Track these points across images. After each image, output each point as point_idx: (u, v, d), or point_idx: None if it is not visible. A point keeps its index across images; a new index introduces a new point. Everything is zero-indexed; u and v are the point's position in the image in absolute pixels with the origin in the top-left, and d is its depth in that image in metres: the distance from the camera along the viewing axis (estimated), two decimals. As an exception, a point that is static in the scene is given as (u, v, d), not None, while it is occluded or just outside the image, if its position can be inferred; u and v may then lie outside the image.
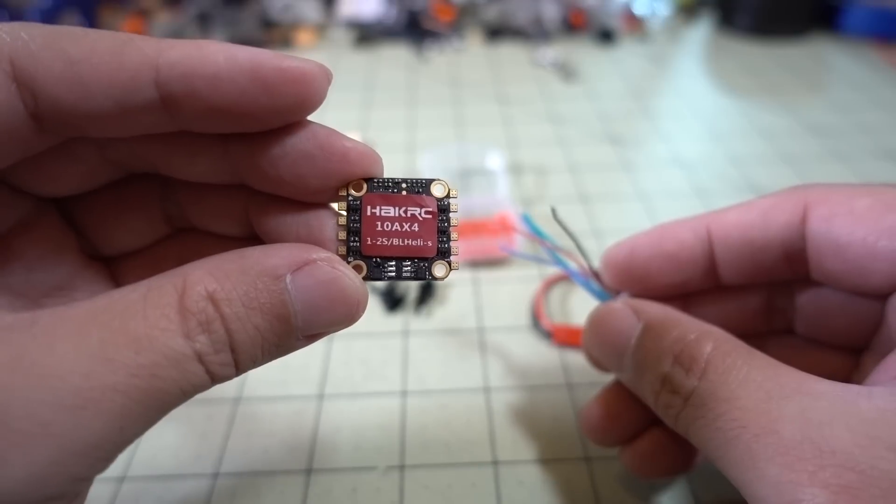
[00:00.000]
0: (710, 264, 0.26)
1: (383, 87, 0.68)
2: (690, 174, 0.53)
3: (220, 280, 0.16)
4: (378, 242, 0.19)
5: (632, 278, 0.28)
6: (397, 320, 0.39)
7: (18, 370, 0.14)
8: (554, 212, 0.28)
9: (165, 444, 0.32)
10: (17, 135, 0.16)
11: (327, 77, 0.17)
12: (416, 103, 0.64)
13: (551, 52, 0.75)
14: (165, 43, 0.16)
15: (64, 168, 0.19)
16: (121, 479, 0.30)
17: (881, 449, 0.17)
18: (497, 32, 0.80)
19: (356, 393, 0.34)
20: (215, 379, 0.16)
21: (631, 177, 0.53)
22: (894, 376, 0.19)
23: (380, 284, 0.41)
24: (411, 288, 0.41)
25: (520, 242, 0.43)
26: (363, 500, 0.29)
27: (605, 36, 0.79)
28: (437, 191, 0.20)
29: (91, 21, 0.75)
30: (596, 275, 0.29)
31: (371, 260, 0.19)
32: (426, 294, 0.40)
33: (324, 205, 0.20)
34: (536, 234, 0.30)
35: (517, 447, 0.31)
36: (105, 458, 0.15)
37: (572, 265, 0.29)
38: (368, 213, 0.19)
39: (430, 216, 0.19)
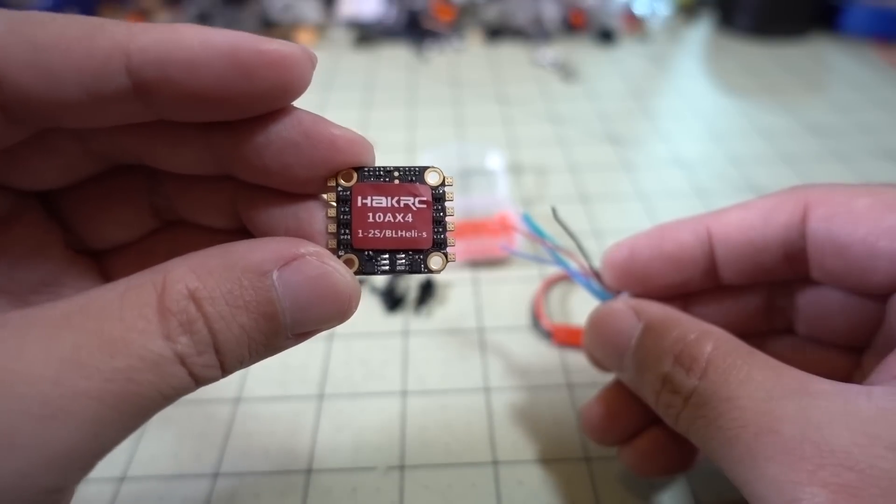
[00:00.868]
0: (711, 264, 0.26)
1: (383, 87, 0.68)
2: (690, 174, 0.53)
3: (202, 277, 0.16)
4: (370, 235, 0.18)
5: (632, 278, 0.28)
6: (397, 320, 0.39)
7: None
8: (554, 211, 0.28)
9: (165, 444, 0.32)
10: None
11: (311, 60, 0.17)
12: (416, 103, 0.64)
13: (551, 52, 0.75)
14: (138, 27, 0.16)
15: (43, 161, 0.18)
16: (121, 480, 0.30)
17: (880, 448, 0.17)
18: (497, 32, 0.80)
19: (356, 393, 0.34)
20: (199, 381, 0.16)
21: (631, 177, 0.53)
22: (894, 376, 0.19)
23: (379, 283, 0.41)
24: (411, 288, 0.41)
25: (520, 242, 0.43)
26: (363, 500, 0.29)
27: (605, 36, 0.79)
28: (432, 179, 0.19)
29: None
30: (596, 275, 0.29)
31: (363, 253, 0.18)
32: (426, 294, 0.40)
33: (313, 196, 0.19)
34: (537, 234, 0.30)
35: (517, 447, 0.31)
36: (80, 467, 0.14)
37: (573, 265, 0.29)
38: (359, 204, 0.18)
39: (424, 206, 0.18)
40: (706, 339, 0.22)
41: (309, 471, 0.30)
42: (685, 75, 0.71)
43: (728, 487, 0.28)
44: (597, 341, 0.27)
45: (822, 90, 0.67)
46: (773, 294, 0.27)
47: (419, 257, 0.18)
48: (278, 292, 0.16)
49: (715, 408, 0.20)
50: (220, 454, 0.31)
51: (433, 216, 0.19)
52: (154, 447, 0.31)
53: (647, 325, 0.24)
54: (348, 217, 0.18)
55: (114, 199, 0.20)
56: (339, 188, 0.18)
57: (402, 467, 0.30)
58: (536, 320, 0.38)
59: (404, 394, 0.34)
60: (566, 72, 0.71)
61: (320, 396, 0.34)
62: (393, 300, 0.40)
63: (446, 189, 0.19)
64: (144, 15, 0.78)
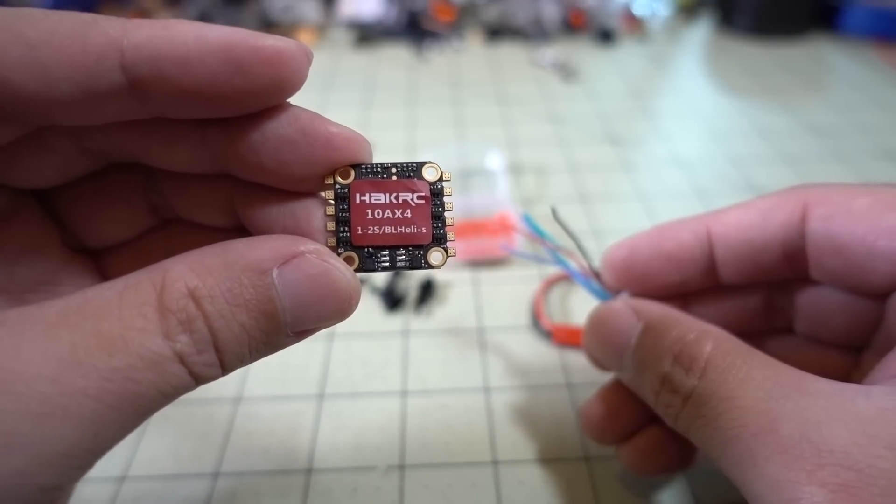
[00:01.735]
0: (710, 264, 0.26)
1: (383, 87, 0.68)
2: (690, 174, 0.53)
3: (201, 276, 0.15)
4: (369, 231, 0.18)
5: (632, 278, 0.28)
6: (397, 320, 0.39)
7: None
8: (554, 212, 0.28)
9: (165, 444, 0.32)
10: None
11: (307, 56, 0.16)
12: (416, 103, 0.64)
13: (551, 52, 0.75)
14: (132, 23, 0.15)
15: (38, 159, 0.18)
16: (121, 479, 0.30)
17: (879, 448, 0.17)
18: (497, 32, 0.80)
19: (356, 393, 0.34)
20: (199, 380, 0.16)
21: (631, 177, 0.53)
22: (893, 375, 0.19)
23: (380, 283, 0.41)
24: (411, 288, 0.41)
25: (520, 242, 0.43)
26: (363, 500, 0.29)
27: (605, 36, 0.79)
28: (429, 174, 0.19)
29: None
30: (596, 274, 0.29)
31: (363, 250, 0.18)
32: (426, 294, 0.40)
33: (311, 193, 0.19)
34: (537, 234, 0.30)
35: (517, 447, 0.31)
36: (78, 466, 0.14)
37: (573, 265, 0.29)
38: (357, 201, 0.18)
39: (422, 201, 0.18)
40: (705, 338, 0.22)
41: (309, 470, 0.30)
42: (685, 75, 0.71)
43: (727, 487, 0.28)
44: (596, 341, 0.27)
45: (822, 90, 0.67)
46: (773, 293, 0.27)
47: (419, 253, 0.18)
48: (278, 290, 0.16)
49: (714, 407, 0.20)
50: (220, 454, 0.31)
51: (432, 211, 0.18)
52: (154, 447, 0.31)
53: (647, 325, 0.24)
54: (347, 214, 0.18)
55: (110, 197, 0.20)
56: (337, 186, 0.18)
57: (402, 467, 0.30)
58: (536, 320, 0.38)
59: (404, 394, 0.34)
60: (566, 72, 0.71)
61: (320, 396, 0.34)
62: (393, 300, 0.40)
63: (444, 184, 0.19)
64: (145, 14, 0.78)
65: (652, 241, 0.27)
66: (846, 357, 0.25)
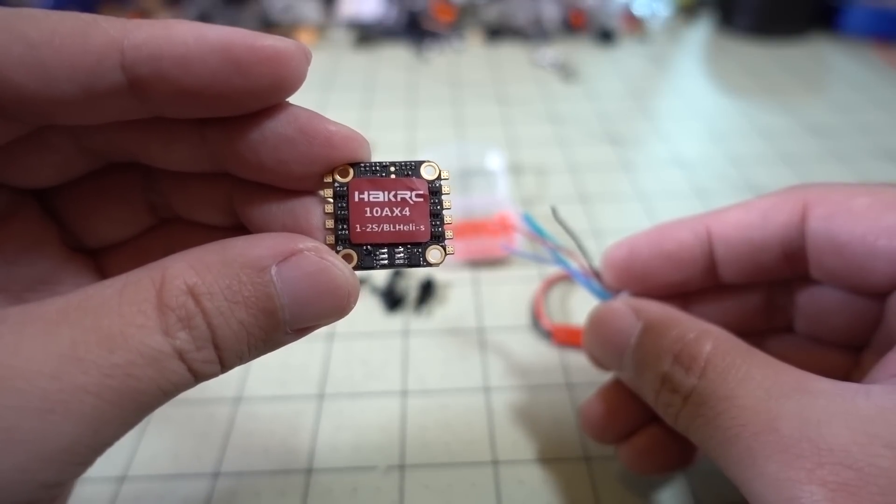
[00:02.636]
0: (710, 264, 0.26)
1: (383, 87, 0.68)
2: (690, 174, 0.53)
3: (200, 273, 0.15)
4: (368, 229, 0.18)
5: (632, 278, 0.28)
6: (397, 320, 0.39)
7: None
8: (554, 211, 0.29)
9: (165, 444, 0.32)
10: None
11: (306, 56, 0.17)
12: (416, 103, 0.64)
13: (551, 52, 0.75)
14: (132, 23, 0.15)
15: (38, 158, 0.18)
16: (121, 479, 0.30)
17: (879, 447, 0.17)
18: (497, 33, 0.80)
19: (356, 393, 0.34)
20: (199, 377, 0.16)
21: (631, 177, 0.53)
22: (892, 374, 0.19)
23: (380, 283, 0.41)
24: (411, 287, 0.41)
25: (520, 242, 0.43)
26: (363, 500, 0.29)
27: (605, 36, 0.79)
28: (428, 173, 0.19)
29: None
30: (596, 274, 0.29)
31: (361, 248, 0.18)
32: (426, 294, 0.40)
33: (309, 192, 0.19)
34: (538, 234, 0.30)
35: (517, 447, 0.31)
36: (79, 462, 0.14)
37: (573, 264, 0.29)
38: (356, 200, 0.18)
39: (421, 199, 0.18)
40: (705, 338, 0.22)
41: (309, 470, 0.30)
42: (685, 75, 0.71)
43: (727, 487, 0.28)
44: (596, 340, 0.27)
45: (822, 90, 0.67)
46: (773, 293, 0.27)
47: (417, 250, 0.18)
48: (277, 288, 0.16)
49: (714, 407, 0.20)
50: (220, 454, 0.31)
51: (430, 209, 0.19)
52: (154, 447, 0.31)
53: (647, 325, 0.24)
54: (346, 212, 0.18)
55: (109, 196, 0.20)
56: (336, 184, 0.18)
57: (402, 467, 0.30)
58: (536, 320, 0.38)
59: (404, 393, 0.34)
60: (566, 72, 0.71)
61: (320, 396, 0.34)
62: (393, 300, 0.40)
63: (442, 183, 0.19)
64: (145, 14, 0.78)
65: (652, 240, 0.27)
66: (846, 356, 0.25)
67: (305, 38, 0.78)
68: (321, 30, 0.81)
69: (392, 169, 0.19)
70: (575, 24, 0.80)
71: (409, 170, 0.19)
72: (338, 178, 0.18)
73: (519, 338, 0.38)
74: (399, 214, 0.18)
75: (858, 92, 0.66)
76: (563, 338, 0.37)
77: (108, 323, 0.14)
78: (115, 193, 0.20)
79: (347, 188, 0.18)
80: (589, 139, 0.58)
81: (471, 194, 0.50)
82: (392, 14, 0.80)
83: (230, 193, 0.20)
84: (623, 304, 0.26)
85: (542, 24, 0.80)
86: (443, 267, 0.42)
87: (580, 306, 0.40)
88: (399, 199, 0.18)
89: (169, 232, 0.22)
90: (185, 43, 0.15)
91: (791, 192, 0.25)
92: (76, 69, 0.15)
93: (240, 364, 0.17)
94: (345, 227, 0.18)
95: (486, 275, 0.42)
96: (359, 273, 0.18)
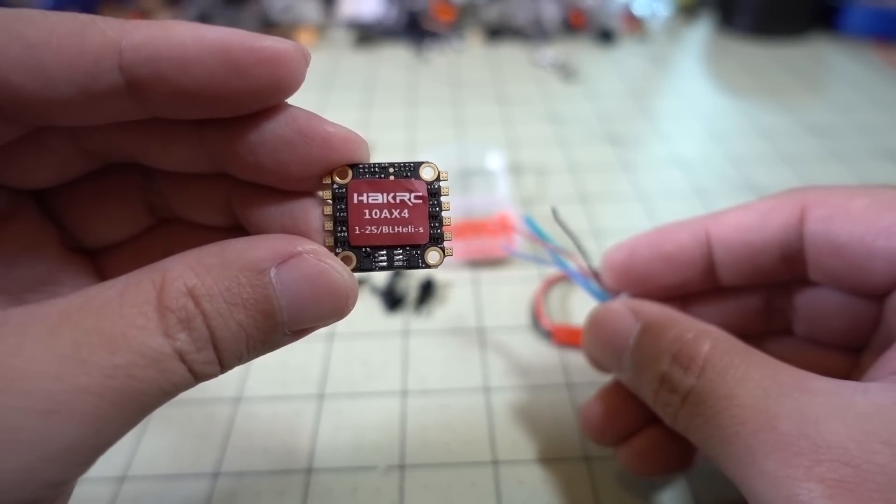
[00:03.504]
0: (709, 266, 0.27)
1: (383, 87, 0.68)
2: (690, 174, 0.53)
3: (200, 275, 0.16)
4: (367, 231, 0.18)
5: (631, 279, 0.28)
6: (397, 320, 0.39)
7: None
8: (554, 212, 0.29)
9: (165, 444, 0.32)
10: None
11: (304, 57, 0.17)
12: (416, 103, 0.64)
13: (551, 52, 0.75)
14: (130, 24, 0.16)
15: (36, 159, 0.18)
16: (121, 479, 0.30)
17: (876, 444, 0.17)
18: (497, 33, 0.80)
19: (356, 393, 0.34)
20: (198, 377, 0.16)
21: (631, 177, 0.53)
22: (891, 372, 0.19)
23: (380, 283, 0.41)
24: (411, 288, 0.41)
25: (520, 242, 0.43)
26: (363, 500, 0.29)
27: (605, 36, 0.79)
28: (427, 174, 0.19)
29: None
30: (596, 275, 0.29)
31: (360, 250, 0.18)
32: (426, 294, 0.40)
33: (308, 193, 0.19)
34: (539, 236, 0.30)
35: (517, 447, 0.31)
36: (82, 461, 0.15)
37: (573, 266, 0.29)
38: (355, 201, 0.18)
39: (420, 201, 0.18)
40: (703, 338, 0.22)
41: (309, 470, 0.30)
42: (685, 75, 0.71)
43: (727, 487, 0.28)
44: (595, 342, 0.27)
45: (822, 90, 0.67)
46: (772, 295, 0.27)
47: (416, 252, 0.18)
48: (276, 290, 0.16)
49: (712, 406, 0.20)
50: (221, 454, 0.31)
51: (429, 211, 0.19)
52: (154, 447, 0.31)
53: (646, 325, 0.25)
54: (345, 214, 0.18)
55: (108, 197, 0.20)
56: (335, 185, 0.18)
57: (402, 467, 0.30)
58: (536, 320, 0.38)
59: (404, 393, 0.34)
60: (566, 72, 0.71)
61: (320, 396, 0.34)
62: (393, 300, 0.40)
63: (441, 184, 0.19)
64: (145, 15, 0.78)
65: (651, 242, 0.27)
66: (845, 358, 0.25)
67: (305, 38, 0.78)
68: (321, 30, 0.81)
69: (391, 170, 0.19)
70: (575, 24, 0.80)
71: (408, 171, 0.19)
72: (336, 179, 0.18)
73: (519, 338, 0.38)
74: (398, 216, 0.18)
75: (858, 92, 0.66)
76: (563, 338, 0.37)
77: (109, 324, 0.14)
78: (113, 194, 0.21)
79: (346, 190, 0.18)
80: (589, 139, 0.58)
81: (471, 194, 0.50)
82: (392, 14, 0.80)
83: (229, 194, 0.20)
84: (622, 305, 0.26)
85: (542, 24, 0.80)
86: (443, 267, 0.42)
87: (580, 306, 0.40)
88: (398, 201, 0.18)
89: (168, 232, 0.22)
90: (184, 44, 0.15)
91: (789, 195, 0.25)
92: (74, 70, 0.15)
93: (238, 364, 0.17)
94: (343, 229, 0.18)
95: (486, 275, 0.42)
96: (358, 274, 0.18)
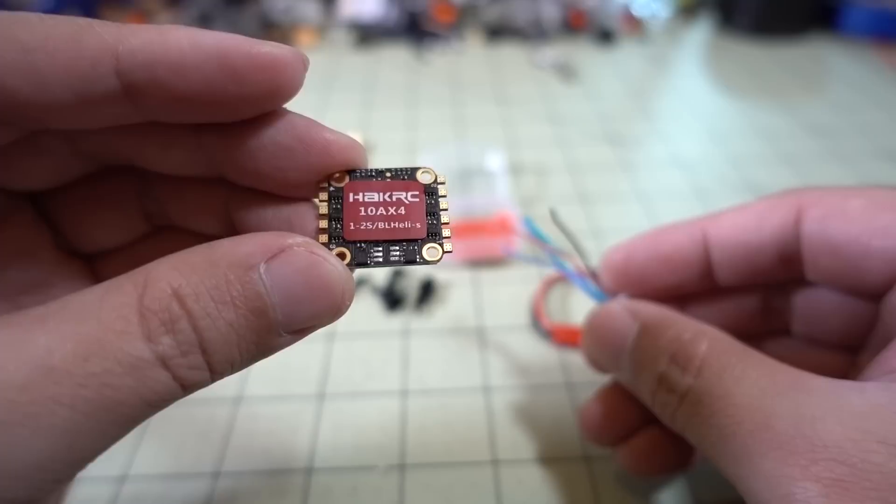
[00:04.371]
0: (706, 267, 0.27)
1: (383, 87, 0.68)
2: (690, 175, 0.53)
3: (185, 274, 0.15)
4: (362, 227, 0.18)
5: (629, 281, 0.28)
6: (397, 320, 0.39)
7: None
8: (553, 214, 0.29)
9: (165, 444, 0.32)
10: None
11: (303, 63, 0.16)
12: (416, 104, 0.64)
13: (551, 52, 0.75)
14: (127, 29, 0.15)
15: (32, 162, 0.18)
16: (121, 479, 0.30)
17: (872, 443, 0.17)
18: (497, 33, 0.80)
19: (356, 393, 0.34)
20: (186, 385, 0.15)
21: (630, 177, 0.53)
22: (887, 371, 0.20)
23: (380, 283, 0.41)
24: (411, 287, 0.41)
25: (519, 243, 0.43)
26: (363, 500, 0.29)
27: (605, 37, 0.79)
28: (424, 178, 0.18)
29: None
30: (594, 276, 0.29)
31: (355, 245, 0.17)
32: (426, 294, 0.40)
33: (305, 199, 0.19)
34: (539, 238, 0.30)
35: (517, 447, 0.31)
36: (55, 478, 0.13)
37: (572, 267, 0.29)
38: (351, 200, 0.18)
39: (416, 199, 0.18)
40: (701, 338, 0.22)
41: (309, 470, 0.30)
42: (685, 76, 0.72)
43: (727, 487, 0.28)
44: (594, 342, 0.27)
45: (821, 90, 0.67)
46: (769, 295, 0.27)
47: (414, 248, 0.18)
48: (266, 286, 0.15)
49: (710, 405, 0.20)
50: (221, 454, 0.31)
51: (427, 208, 0.18)
52: (154, 447, 0.32)
53: (643, 326, 0.25)
54: (340, 212, 0.18)
55: (104, 201, 0.20)
56: (331, 188, 0.18)
57: (402, 467, 0.31)
58: (536, 320, 0.39)
59: (404, 393, 0.34)
60: (566, 72, 0.71)
61: (321, 396, 0.34)
62: (393, 300, 0.40)
63: (439, 186, 0.19)
64: (145, 16, 0.78)
65: (649, 244, 0.27)
66: (843, 358, 0.26)
67: (305, 38, 0.78)
68: (321, 30, 0.81)
69: (388, 174, 0.18)
70: (575, 25, 0.80)
71: (405, 175, 0.18)
72: (333, 184, 0.18)
73: (519, 338, 0.38)
74: (395, 213, 0.18)
75: (858, 92, 0.66)
76: (563, 338, 0.37)
77: (85, 329, 0.14)
78: (109, 198, 0.20)
79: (342, 190, 0.18)
80: (589, 139, 0.58)
81: (471, 194, 0.50)
82: (392, 14, 0.80)
83: (226, 200, 0.19)
84: (620, 306, 0.26)
85: (542, 24, 0.80)
86: (443, 267, 0.42)
87: (580, 306, 0.40)
88: (395, 199, 0.18)
89: (163, 240, 0.22)
90: (181, 49, 0.15)
91: (786, 195, 0.25)
92: (70, 74, 0.15)
93: (232, 372, 0.16)
94: (338, 224, 0.18)
95: (486, 275, 0.43)
96: (358, 273, 0.18)
